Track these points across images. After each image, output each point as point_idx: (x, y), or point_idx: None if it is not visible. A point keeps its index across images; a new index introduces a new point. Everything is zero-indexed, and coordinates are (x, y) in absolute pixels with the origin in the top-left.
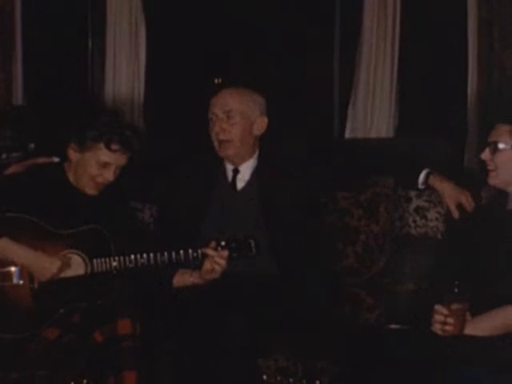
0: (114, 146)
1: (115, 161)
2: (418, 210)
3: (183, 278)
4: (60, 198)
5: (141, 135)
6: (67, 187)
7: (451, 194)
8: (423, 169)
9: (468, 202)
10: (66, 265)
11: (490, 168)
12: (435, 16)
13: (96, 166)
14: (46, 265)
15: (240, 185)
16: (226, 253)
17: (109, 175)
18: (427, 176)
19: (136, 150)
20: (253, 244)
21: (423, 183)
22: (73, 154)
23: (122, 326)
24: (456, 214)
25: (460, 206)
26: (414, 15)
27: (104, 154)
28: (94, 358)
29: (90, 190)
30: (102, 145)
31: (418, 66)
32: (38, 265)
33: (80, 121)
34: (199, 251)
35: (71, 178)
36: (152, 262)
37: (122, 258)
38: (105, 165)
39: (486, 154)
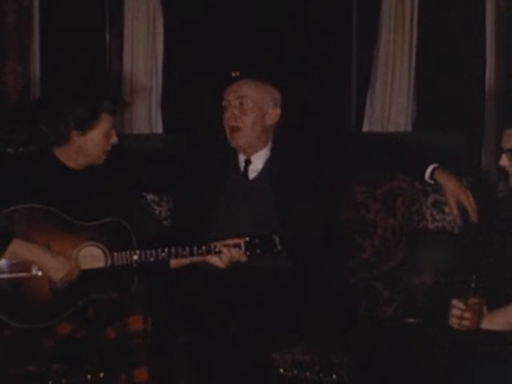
0: (114, 107)
1: (113, 121)
2: (435, 203)
3: (181, 260)
4: (76, 189)
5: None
6: (72, 177)
7: (452, 191)
8: (432, 163)
9: (468, 201)
10: (77, 267)
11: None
12: (453, 9)
13: (103, 137)
14: (57, 265)
15: (252, 175)
16: (244, 259)
17: (115, 139)
18: (434, 171)
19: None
20: (277, 240)
21: (430, 178)
22: (78, 139)
23: (133, 323)
24: (455, 212)
25: (460, 205)
26: (431, 9)
27: (107, 122)
28: (107, 353)
29: (100, 161)
30: (103, 115)
31: (436, 59)
32: (48, 266)
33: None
34: (220, 245)
35: (69, 163)
36: (173, 255)
37: (142, 252)
38: (109, 131)
39: (503, 161)
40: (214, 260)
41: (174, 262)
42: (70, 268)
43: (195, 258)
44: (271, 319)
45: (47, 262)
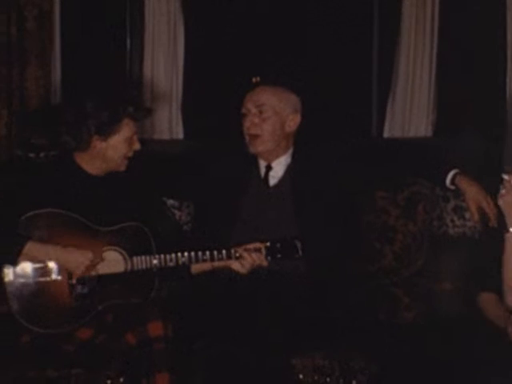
0: (137, 112)
1: (136, 128)
2: (456, 209)
3: (203, 265)
4: (96, 195)
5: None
6: (93, 182)
7: (474, 196)
8: (453, 169)
9: (489, 207)
10: (100, 258)
11: None
12: (474, 14)
13: (125, 143)
14: (77, 258)
15: (273, 181)
16: (265, 263)
17: (137, 145)
18: (455, 176)
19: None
20: (299, 246)
21: (451, 183)
22: (99, 145)
23: (153, 328)
24: (476, 218)
25: (481, 210)
26: (452, 13)
27: (129, 128)
28: (128, 359)
29: (122, 167)
30: (125, 120)
31: (457, 64)
32: (68, 260)
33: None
34: (241, 250)
35: (90, 169)
36: (193, 260)
37: (162, 256)
38: (131, 138)
39: None
40: (235, 266)
41: (195, 268)
42: (92, 255)
43: (216, 264)
44: (291, 325)
45: (65, 259)
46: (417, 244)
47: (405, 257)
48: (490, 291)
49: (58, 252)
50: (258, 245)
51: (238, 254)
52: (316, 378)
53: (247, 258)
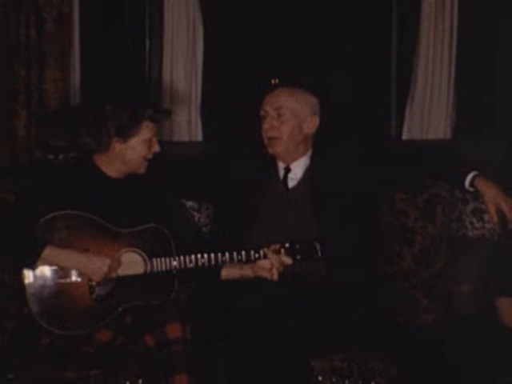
0: (156, 115)
1: (155, 130)
2: (475, 211)
3: (232, 271)
4: (115, 197)
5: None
6: (112, 184)
7: (493, 198)
8: (472, 171)
9: (508, 209)
10: (118, 262)
11: None
12: (493, 15)
13: (144, 145)
14: (95, 266)
15: (292, 183)
16: (288, 260)
17: (156, 147)
18: (474, 178)
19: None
20: (318, 247)
21: (470, 185)
22: (118, 146)
23: (172, 330)
24: (495, 220)
25: (500, 212)
26: (471, 15)
27: (148, 130)
28: (146, 361)
29: (141, 169)
30: (145, 122)
31: (476, 66)
32: (86, 267)
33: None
34: (261, 252)
35: (109, 171)
36: (213, 262)
37: (182, 258)
38: (150, 140)
39: None
40: (264, 273)
41: (224, 274)
42: (110, 262)
43: (244, 272)
44: (310, 327)
45: (83, 266)
46: (436, 246)
47: (424, 259)
48: (509, 294)
49: (76, 258)
50: (276, 246)
51: (256, 255)
52: (335, 380)
53: (272, 258)
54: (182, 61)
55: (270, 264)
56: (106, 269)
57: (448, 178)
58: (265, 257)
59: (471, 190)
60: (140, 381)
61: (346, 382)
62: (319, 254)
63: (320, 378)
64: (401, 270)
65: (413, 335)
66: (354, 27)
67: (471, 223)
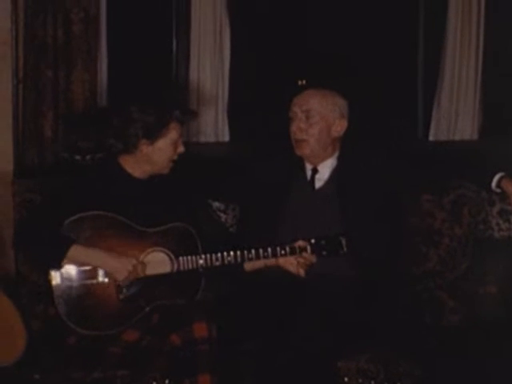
0: (183, 116)
1: (181, 131)
2: (501, 213)
3: (255, 263)
4: (141, 197)
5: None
6: (137, 184)
7: None
8: (498, 172)
9: None
10: (144, 263)
11: None
12: None
13: (171, 146)
14: (119, 264)
15: (318, 184)
16: (313, 258)
17: (181, 148)
18: (500, 179)
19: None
20: (343, 242)
21: (497, 186)
22: (145, 148)
23: (198, 330)
24: None
25: None
26: (498, 15)
27: (175, 132)
28: (172, 360)
29: (167, 170)
30: (172, 124)
31: (503, 66)
32: (111, 266)
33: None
34: (287, 249)
35: (134, 172)
36: (239, 259)
37: (208, 256)
38: (177, 141)
39: None
40: (291, 268)
41: (248, 266)
42: (132, 267)
43: (268, 262)
44: (336, 327)
45: (108, 264)
46: (462, 247)
47: (450, 260)
48: None
49: (101, 256)
50: (302, 242)
51: (283, 252)
52: (361, 381)
53: (300, 260)
54: (209, 61)
55: (295, 259)
56: (130, 268)
57: (475, 180)
58: (291, 253)
59: (498, 191)
60: (167, 381)
61: (372, 382)
62: (344, 249)
63: (346, 379)
64: (427, 271)
65: (439, 336)
66: (382, 28)
67: (497, 224)
